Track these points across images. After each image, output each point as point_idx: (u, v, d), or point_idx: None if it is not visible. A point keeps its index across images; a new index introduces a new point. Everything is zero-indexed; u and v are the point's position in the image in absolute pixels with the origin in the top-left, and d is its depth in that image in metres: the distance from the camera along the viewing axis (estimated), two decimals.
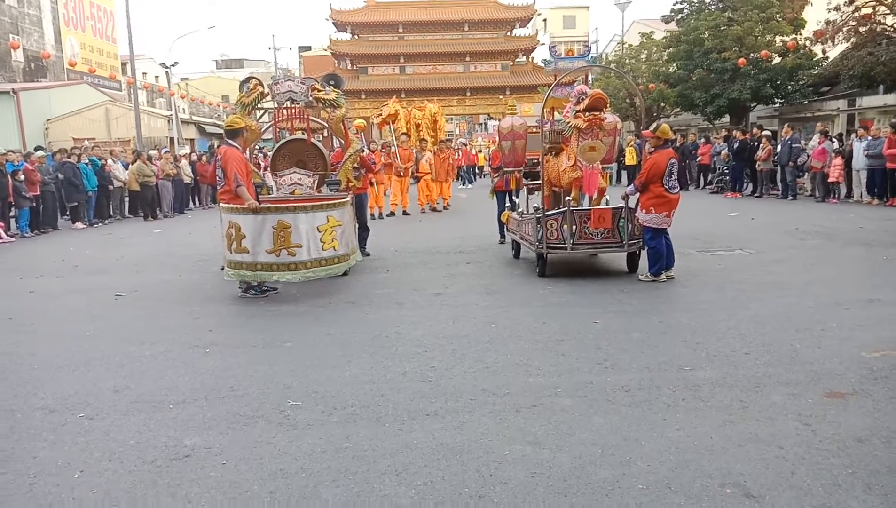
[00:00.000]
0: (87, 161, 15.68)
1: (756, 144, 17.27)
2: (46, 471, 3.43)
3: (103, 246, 12.05)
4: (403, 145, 16.16)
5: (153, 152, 18.78)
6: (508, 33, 46.61)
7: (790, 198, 16.22)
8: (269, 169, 9.96)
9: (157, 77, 46.13)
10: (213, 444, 3.66)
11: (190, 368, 4.97)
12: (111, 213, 16.71)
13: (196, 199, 20.52)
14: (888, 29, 19.07)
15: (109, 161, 16.65)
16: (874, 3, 19.11)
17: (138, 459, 3.52)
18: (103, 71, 36.30)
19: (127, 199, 17.62)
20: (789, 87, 24.90)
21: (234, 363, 5.05)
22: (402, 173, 15.62)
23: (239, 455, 3.53)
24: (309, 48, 65.75)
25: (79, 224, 15.08)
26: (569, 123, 7.88)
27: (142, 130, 26.92)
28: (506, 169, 9.67)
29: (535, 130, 9.55)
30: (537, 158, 9.09)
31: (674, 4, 27.58)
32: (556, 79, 8.91)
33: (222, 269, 7.64)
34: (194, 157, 21.30)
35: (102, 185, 15.93)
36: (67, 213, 15.59)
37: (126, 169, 17.05)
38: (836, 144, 15.66)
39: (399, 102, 19.17)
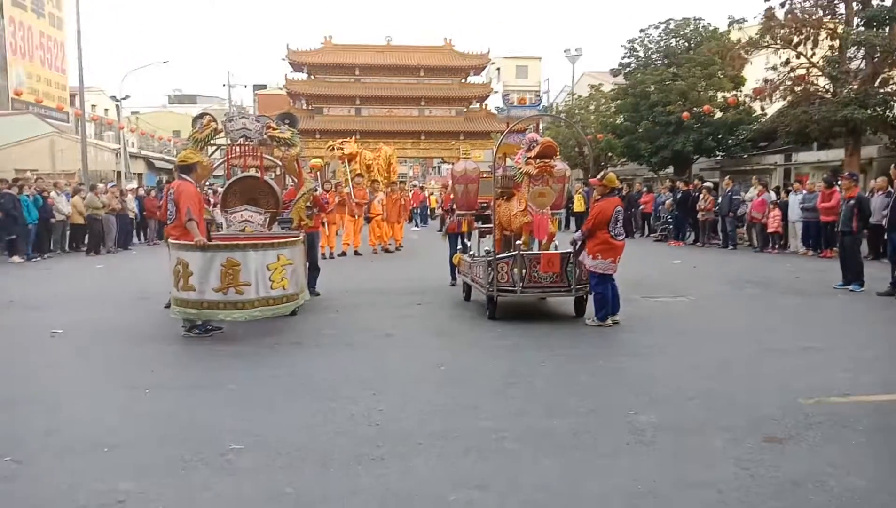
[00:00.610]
0: (30, 195, 15.17)
1: (698, 194, 17.94)
2: None
3: (42, 281, 11.64)
4: (359, 186, 16.20)
5: (100, 186, 18.37)
6: (463, 80, 47.63)
7: (730, 247, 16.79)
8: (218, 206, 9.86)
9: (106, 110, 45.35)
10: (149, 490, 3.53)
11: (128, 410, 4.81)
12: (52, 247, 16.17)
13: (142, 235, 20.07)
14: (820, 90, 20.16)
15: (53, 194, 16.18)
16: (808, 66, 20.23)
17: (69, 505, 3.36)
18: (50, 102, 35.49)
19: (68, 232, 17.09)
20: (730, 141, 26.01)
21: (174, 405, 4.91)
22: (356, 215, 15.65)
23: (176, 501, 3.42)
24: (264, 86, 65.72)
25: (16, 258, 14.51)
26: (520, 169, 8.06)
27: (88, 163, 26.33)
28: (458, 212, 9.79)
29: (486, 175, 9.74)
30: (487, 203, 9.29)
31: (621, 59, 28.69)
32: (508, 126, 9.13)
33: (167, 306, 7.47)
34: (142, 191, 20.91)
35: (44, 218, 15.43)
36: (4, 246, 14.99)
37: (69, 200, 16.59)
38: (773, 196, 16.34)
39: (357, 143, 19.25)
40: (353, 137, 19.72)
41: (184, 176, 7.39)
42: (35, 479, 3.67)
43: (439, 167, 52.39)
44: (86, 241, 16.94)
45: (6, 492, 3.51)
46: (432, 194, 32.62)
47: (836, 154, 21.36)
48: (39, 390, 5.28)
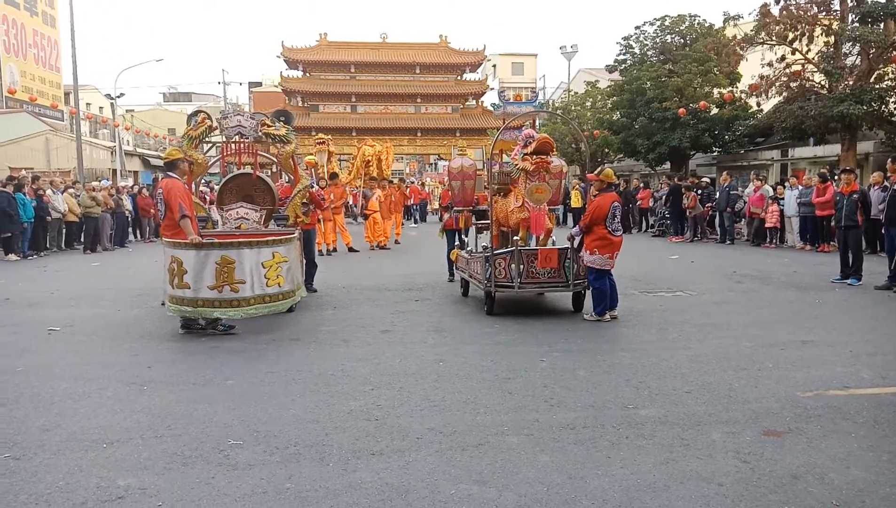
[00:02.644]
0: (28, 194, 15.12)
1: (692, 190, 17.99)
2: None
3: (38, 279, 11.59)
4: (335, 185, 16.10)
5: (95, 183, 18.33)
6: (459, 77, 47.53)
7: (728, 242, 16.80)
8: (214, 203, 9.82)
9: (101, 108, 45.23)
10: (148, 485, 3.52)
11: (126, 406, 4.79)
12: (48, 245, 16.12)
13: (137, 232, 20.02)
14: (816, 86, 20.20)
15: (48, 192, 16.13)
16: (803, 62, 20.26)
17: (67, 501, 3.35)
18: (45, 100, 35.39)
19: (64, 230, 17.04)
20: (726, 136, 26.04)
21: (172, 400, 4.89)
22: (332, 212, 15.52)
23: (176, 496, 3.40)
24: (259, 84, 65.64)
25: (12, 256, 14.47)
26: (517, 165, 8.05)
27: (84, 160, 26.24)
28: (455, 208, 9.79)
29: (479, 172, 9.78)
30: (477, 199, 9.37)
31: (617, 55, 28.67)
32: (504, 122, 9.11)
33: (163, 304, 7.44)
34: (136, 189, 20.84)
35: (40, 216, 15.38)
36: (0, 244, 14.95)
37: (62, 195, 16.56)
38: (771, 192, 16.36)
39: (327, 146, 18.84)
40: (326, 142, 19.24)
41: (170, 173, 7.36)
42: (34, 475, 3.65)
43: (436, 164, 52.31)
44: (81, 239, 16.91)
45: (5, 488, 3.49)
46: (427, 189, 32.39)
47: (832, 149, 21.41)
48: (37, 387, 5.25)
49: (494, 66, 62.96)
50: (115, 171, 31.83)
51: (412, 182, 31.77)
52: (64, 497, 3.40)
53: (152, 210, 17.77)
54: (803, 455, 3.83)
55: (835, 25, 19.45)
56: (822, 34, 19.82)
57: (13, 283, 11.00)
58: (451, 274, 10.50)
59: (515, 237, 7.97)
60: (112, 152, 33.52)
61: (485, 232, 9.55)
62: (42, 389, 5.20)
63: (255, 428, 4.31)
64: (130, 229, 19.53)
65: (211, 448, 4.00)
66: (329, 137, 20.14)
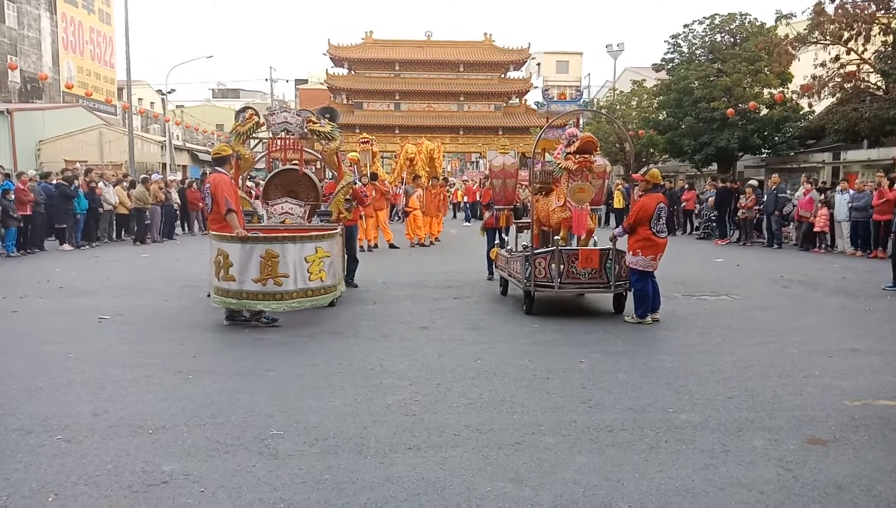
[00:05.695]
0: (81, 186, 15.61)
1: (737, 194, 17.62)
2: (20, 493, 3.37)
3: (89, 269, 11.97)
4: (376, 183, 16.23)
5: (154, 176, 18.86)
6: (503, 75, 47.33)
7: (775, 246, 16.40)
8: (260, 198, 10.01)
9: (152, 103, 46.39)
10: (191, 471, 3.62)
11: (171, 393, 4.93)
12: (99, 236, 16.63)
13: (185, 225, 20.49)
14: (871, 86, 19.56)
15: (101, 184, 16.63)
16: (858, 62, 19.63)
17: (115, 484, 3.47)
18: (99, 95, 36.51)
19: (115, 222, 17.54)
20: (776, 138, 25.38)
21: (216, 390, 5.01)
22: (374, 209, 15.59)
23: (217, 483, 3.49)
24: (305, 81, 66.40)
25: (66, 246, 14.98)
26: (559, 164, 8.00)
27: (135, 154, 26.97)
28: (496, 207, 9.77)
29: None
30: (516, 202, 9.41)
31: (664, 54, 28.22)
32: (548, 121, 9.07)
33: (209, 296, 7.62)
34: (186, 183, 21.32)
35: (92, 207, 15.88)
36: (54, 234, 15.48)
37: (113, 187, 17.06)
38: (820, 195, 15.91)
39: (371, 146, 18.88)
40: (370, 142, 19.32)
41: (218, 169, 7.54)
42: (83, 457, 3.78)
43: (477, 162, 52.25)
44: (132, 230, 17.40)
45: (57, 469, 3.63)
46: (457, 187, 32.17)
47: (887, 153, 20.69)
48: (87, 372, 5.44)
49: (539, 64, 62.51)
50: (164, 165, 32.62)
51: (466, 181, 31.75)
52: (112, 479, 3.52)
53: (201, 204, 18.18)
54: (849, 466, 3.73)
55: (894, 24, 18.79)
56: (879, 33, 19.16)
57: (67, 272, 11.39)
58: (491, 272, 10.49)
59: (556, 237, 7.92)
60: (162, 147, 34.36)
61: (525, 231, 9.52)
62: (92, 375, 5.39)
63: (296, 419, 4.39)
64: (178, 222, 20.00)
65: (252, 437, 4.09)
66: (373, 137, 20.29)
